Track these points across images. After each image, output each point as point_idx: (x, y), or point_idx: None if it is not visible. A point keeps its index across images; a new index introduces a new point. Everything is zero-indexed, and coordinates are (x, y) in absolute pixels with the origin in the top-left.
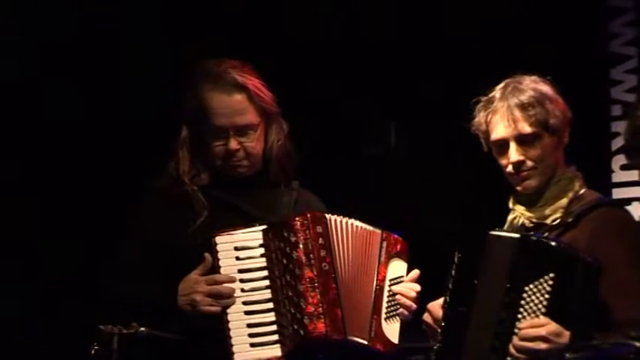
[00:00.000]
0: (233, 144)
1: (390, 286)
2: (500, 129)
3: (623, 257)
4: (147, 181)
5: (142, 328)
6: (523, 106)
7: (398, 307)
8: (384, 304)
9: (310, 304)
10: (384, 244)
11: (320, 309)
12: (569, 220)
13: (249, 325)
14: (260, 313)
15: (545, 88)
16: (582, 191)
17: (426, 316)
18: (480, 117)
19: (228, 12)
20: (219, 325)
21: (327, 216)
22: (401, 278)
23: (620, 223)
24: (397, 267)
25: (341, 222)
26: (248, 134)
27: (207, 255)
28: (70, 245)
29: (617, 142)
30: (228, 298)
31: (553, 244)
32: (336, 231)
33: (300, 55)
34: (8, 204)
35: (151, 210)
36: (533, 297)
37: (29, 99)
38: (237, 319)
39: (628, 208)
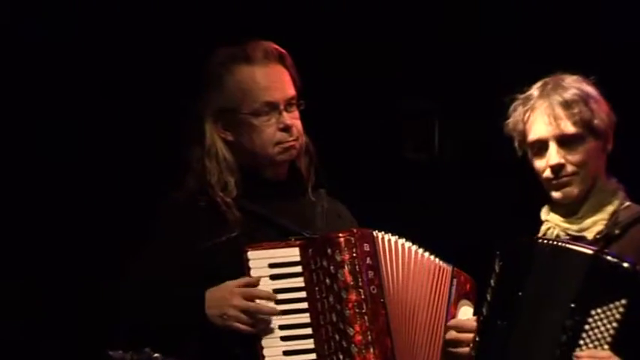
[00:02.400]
0: (288, 119)
1: None
2: (539, 128)
3: None
4: (165, 195)
5: (156, 355)
6: (567, 104)
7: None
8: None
9: (358, 331)
10: (455, 282)
11: (369, 337)
12: (616, 232)
13: (286, 353)
14: (298, 339)
15: (589, 88)
16: (625, 205)
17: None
18: (517, 115)
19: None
20: (247, 351)
21: (376, 233)
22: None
23: None
24: (465, 309)
25: (389, 241)
26: (293, 110)
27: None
28: (80, 263)
29: None
30: (266, 317)
31: (626, 265)
32: (385, 251)
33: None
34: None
35: (174, 225)
36: (600, 323)
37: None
38: (272, 345)
39: None
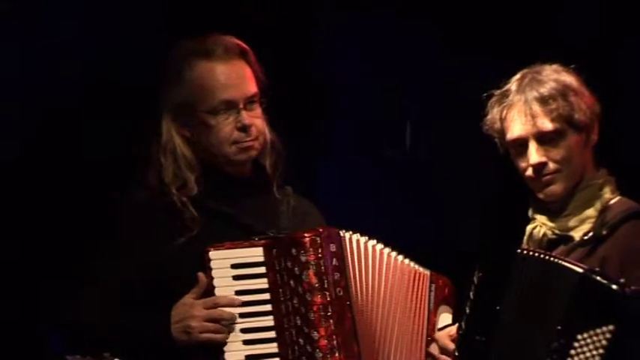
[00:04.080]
0: (246, 118)
1: None
2: (517, 127)
3: None
4: (121, 195)
5: (116, 359)
6: (543, 100)
7: None
8: None
9: (323, 335)
10: (433, 287)
11: (334, 342)
12: (603, 232)
13: (249, 358)
14: (261, 342)
15: (569, 79)
16: (614, 200)
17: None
18: (494, 113)
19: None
20: (208, 356)
21: (342, 233)
22: (448, 327)
23: None
24: (445, 317)
25: (358, 242)
26: (254, 107)
27: (200, 275)
28: (34, 267)
29: None
30: (230, 324)
31: (615, 288)
32: (353, 251)
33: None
34: None
35: (131, 226)
36: (586, 349)
37: None
38: (234, 350)
39: None
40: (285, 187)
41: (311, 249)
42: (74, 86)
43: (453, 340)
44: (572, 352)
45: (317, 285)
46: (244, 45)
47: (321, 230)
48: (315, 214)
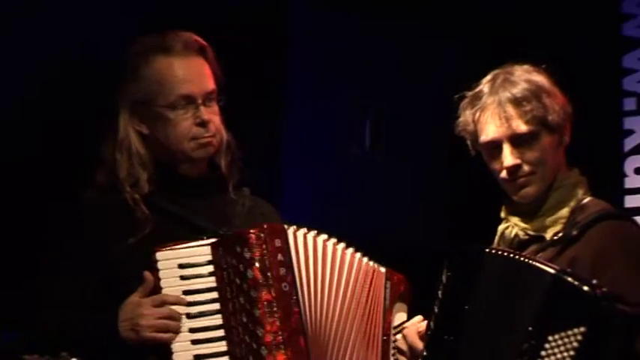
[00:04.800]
0: (205, 114)
1: (394, 335)
2: (491, 129)
3: (631, 279)
4: (72, 193)
5: (74, 359)
6: (517, 101)
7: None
8: (391, 358)
9: (269, 331)
10: (388, 284)
11: (280, 338)
12: (574, 233)
13: (197, 357)
14: (210, 342)
15: (541, 79)
16: (586, 200)
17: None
18: (467, 116)
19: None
20: (158, 357)
21: (287, 227)
22: (404, 325)
23: (627, 239)
24: (400, 312)
25: (305, 236)
26: (212, 105)
27: (147, 274)
28: None
29: (631, 142)
30: (179, 322)
31: (587, 289)
32: (298, 246)
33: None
34: None
35: (81, 225)
36: (557, 350)
37: None
38: (182, 350)
39: None
40: (243, 189)
41: (255, 245)
42: (27, 85)
43: (421, 338)
44: (543, 353)
45: (262, 281)
46: (203, 41)
47: (265, 226)
48: (274, 216)
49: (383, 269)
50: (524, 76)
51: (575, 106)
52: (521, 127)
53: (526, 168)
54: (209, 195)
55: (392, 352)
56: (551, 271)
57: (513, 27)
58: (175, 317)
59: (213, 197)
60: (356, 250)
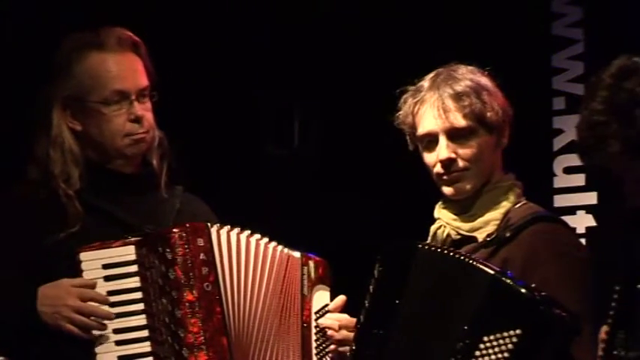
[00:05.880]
0: (138, 109)
1: (316, 320)
2: (429, 121)
3: (560, 281)
4: (4, 187)
5: (1, 357)
6: (457, 96)
7: (328, 343)
8: (314, 344)
9: (190, 332)
10: (305, 269)
11: (202, 338)
12: (507, 235)
13: (121, 358)
14: (134, 342)
15: (484, 80)
16: (519, 204)
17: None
18: (406, 107)
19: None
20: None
21: (210, 226)
22: (326, 308)
23: (558, 242)
24: (321, 295)
25: (228, 234)
26: (145, 101)
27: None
28: None
29: (561, 141)
30: (101, 321)
31: (524, 292)
32: (222, 244)
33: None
34: None
35: (8, 217)
36: (491, 351)
37: None
38: (106, 351)
39: (572, 217)
40: (175, 187)
41: (178, 245)
42: None
43: (350, 331)
44: (477, 353)
45: (184, 281)
46: (136, 38)
47: (187, 225)
48: (206, 215)
49: (297, 254)
50: (468, 75)
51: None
52: (459, 120)
53: (460, 163)
54: (141, 192)
55: (316, 337)
56: (490, 271)
57: (444, 24)
58: (98, 315)
59: (144, 195)
60: (279, 243)
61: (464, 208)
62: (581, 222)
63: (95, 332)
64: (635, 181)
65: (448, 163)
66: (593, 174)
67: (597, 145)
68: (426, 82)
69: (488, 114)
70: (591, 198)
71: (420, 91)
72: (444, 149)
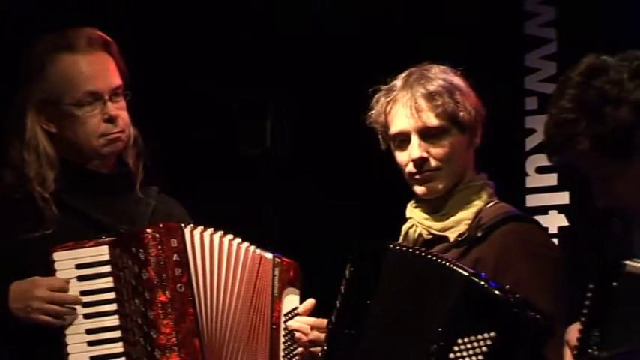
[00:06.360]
0: (112, 109)
1: (285, 322)
2: (401, 120)
3: (533, 281)
4: None
5: None
6: (430, 95)
7: (296, 346)
8: (281, 346)
9: (162, 333)
10: (277, 271)
11: (174, 339)
12: (478, 234)
13: (93, 358)
14: (106, 343)
15: (457, 80)
16: (491, 204)
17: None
18: (379, 107)
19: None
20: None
21: (184, 227)
22: (295, 311)
23: (530, 242)
24: (291, 298)
25: (202, 234)
26: (119, 100)
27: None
28: None
29: (533, 141)
30: (72, 309)
31: (499, 294)
32: (195, 245)
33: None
34: None
35: None
36: (465, 353)
37: None
38: (78, 351)
39: (544, 217)
40: (151, 188)
41: (151, 245)
42: None
43: (322, 332)
44: (452, 355)
45: (157, 282)
46: (107, 37)
47: (161, 225)
48: (181, 216)
49: (270, 255)
50: (441, 75)
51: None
52: (432, 120)
53: (433, 163)
54: (116, 192)
55: (284, 339)
56: (465, 273)
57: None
58: (69, 302)
59: (119, 195)
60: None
61: (435, 207)
62: (554, 222)
63: (67, 322)
64: (602, 179)
65: (420, 163)
66: (566, 174)
67: (566, 143)
68: (398, 82)
69: (461, 114)
70: (563, 198)
71: (393, 91)
72: (416, 149)
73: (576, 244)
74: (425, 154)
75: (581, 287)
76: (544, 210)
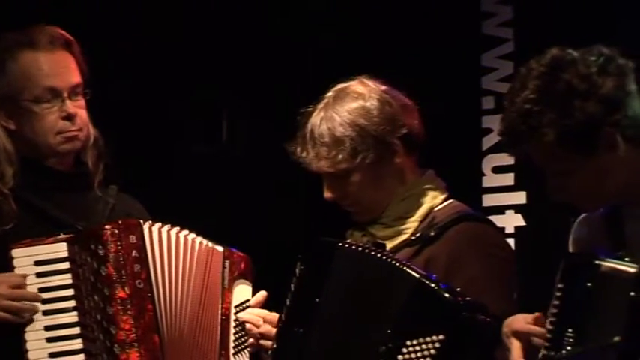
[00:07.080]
0: (71, 107)
1: (236, 313)
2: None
3: (485, 281)
4: None
5: None
6: (328, 143)
7: (247, 337)
8: (232, 337)
9: (122, 329)
10: (227, 263)
11: (133, 335)
12: (431, 234)
13: (52, 355)
14: (65, 339)
15: (363, 110)
16: (442, 204)
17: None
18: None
19: None
20: (14, 355)
21: (143, 223)
22: (247, 303)
23: (483, 242)
24: (242, 290)
25: (160, 230)
26: (79, 99)
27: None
28: None
29: (490, 140)
30: (32, 308)
31: (448, 296)
32: (153, 241)
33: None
34: None
35: None
36: (414, 355)
37: None
38: (37, 348)
39: (501, 217)
40: (110, 187)
41: (110, 241)
42: None
43: (274, 326)
44: (400, 357)
45: (116, 278)
46: (69, 36)
47: (120, 222)
48: (140, 214)
49: (220, 248)
50: (345, 114)
51: (436, 105)
52: (326, 168)
53: (345, 202)
54: (74, 190)
55: (234, 330)
56: (415, 275)
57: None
58: (29, 299)
59: (78, 193)
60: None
61: (374, 219)
62: (510, 221)
63: (26, 318)
64: (559, 174)
65: (334, 202)
66: (522, 172)
67: (530, 134)
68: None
69: (360, 155)
70: (520, 198)
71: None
72: (325, 190)
73: (533, 244)
74: (331, 195)
75: (539, 287)
76: (501, 210)
